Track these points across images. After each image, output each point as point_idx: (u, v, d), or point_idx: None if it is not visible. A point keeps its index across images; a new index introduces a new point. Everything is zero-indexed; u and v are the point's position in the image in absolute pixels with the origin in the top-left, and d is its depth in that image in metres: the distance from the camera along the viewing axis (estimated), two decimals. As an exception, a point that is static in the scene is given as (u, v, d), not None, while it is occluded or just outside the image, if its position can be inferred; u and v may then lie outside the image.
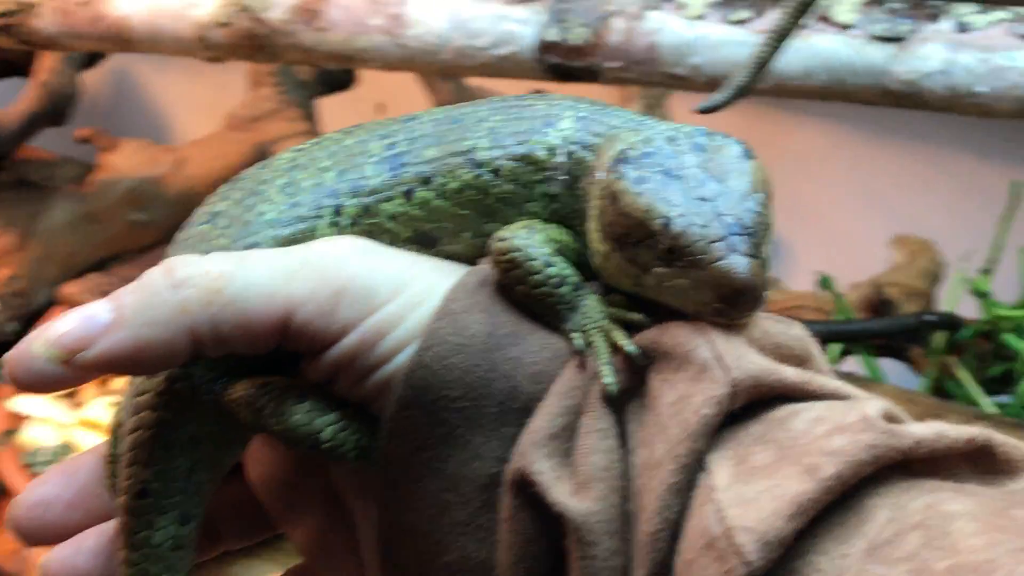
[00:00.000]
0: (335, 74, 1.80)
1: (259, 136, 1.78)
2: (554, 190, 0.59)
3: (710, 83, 1.13)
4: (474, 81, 1.63)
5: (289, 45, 1.28)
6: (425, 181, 0.59)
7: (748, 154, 0.56)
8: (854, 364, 1.46)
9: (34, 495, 0.63)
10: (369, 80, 1.79)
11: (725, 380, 0.51)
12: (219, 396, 0.58)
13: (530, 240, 0.56)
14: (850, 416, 0.50)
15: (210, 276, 0.55)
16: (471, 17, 1.23)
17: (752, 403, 0.52)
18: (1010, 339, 1.40)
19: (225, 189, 0.61)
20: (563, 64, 1.20)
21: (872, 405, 0.51)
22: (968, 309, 1.45)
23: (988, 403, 1.38)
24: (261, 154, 1.71)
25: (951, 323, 1.43)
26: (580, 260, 0.58)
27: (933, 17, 1.14)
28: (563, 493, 0.52)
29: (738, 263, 0.52)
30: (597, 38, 1.20)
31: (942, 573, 0.44)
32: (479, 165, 0.59)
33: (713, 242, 0.53)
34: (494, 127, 0.59)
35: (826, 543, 0.48)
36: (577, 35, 1.20)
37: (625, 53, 1.19)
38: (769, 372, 0.52)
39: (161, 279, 0.55)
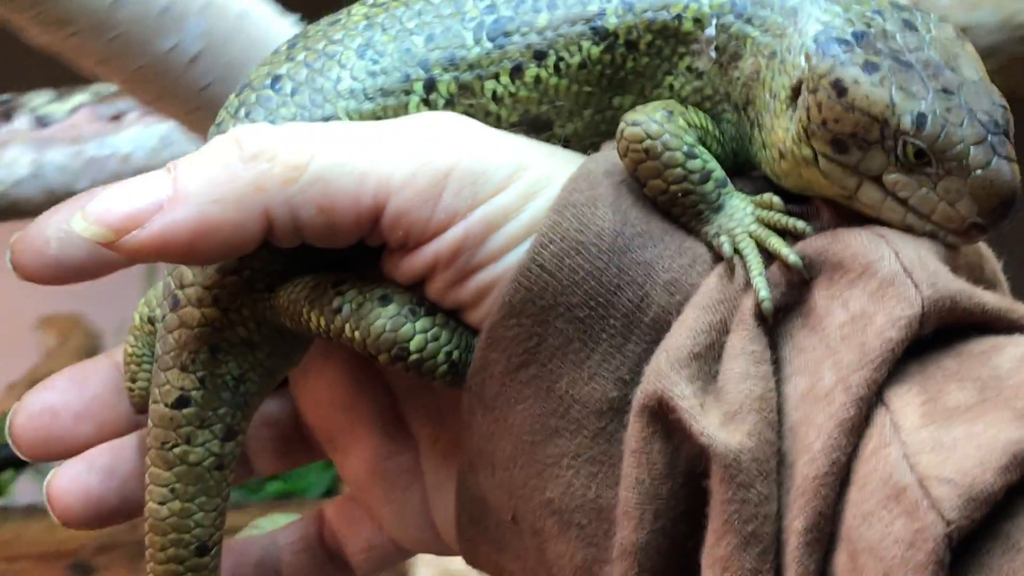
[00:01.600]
0: None
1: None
2: (700, 66, 0.50)
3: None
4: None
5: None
6: (539, 56, 0.51)
7: (961, 34, 0.49)
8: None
9: (38, 402, 0.55)
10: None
11: (916, 298, 0.44)
12: (281, 294, 0.51)
13: (669, 127, 0.48)
14: None
15: (291, 150, 0.47)
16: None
17: (943, 331, 0.45)
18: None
19: (285, 47, 0.53)
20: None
21: None
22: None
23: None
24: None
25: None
26: (722, 154, 0.50)
27: (7, 116, 1.06)
28: (712, 423, 0.44)
29: (1005, 168, 0.46)
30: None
31: None
32: (608, 36, 0.50)
33: (976, 144, 0.46)
34: None
35: None
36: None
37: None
38: (969, 295, 0.45)
39: (232, 150, 0.47)
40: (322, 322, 0.50)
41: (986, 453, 0.41)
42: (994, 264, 0.50)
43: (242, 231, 0.47)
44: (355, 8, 0.53)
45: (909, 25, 0.48)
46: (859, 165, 0.47)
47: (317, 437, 0.58)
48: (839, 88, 0.47)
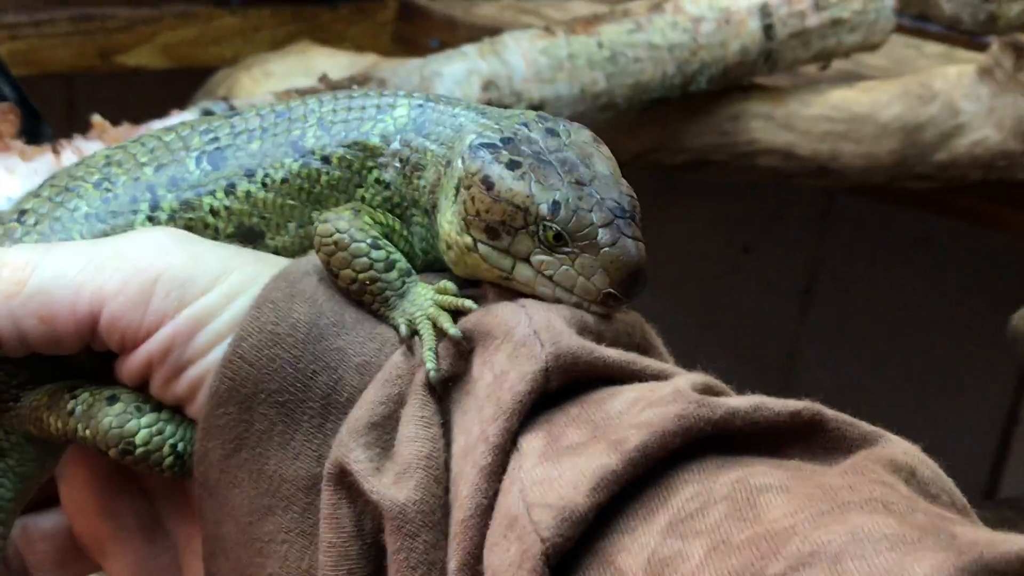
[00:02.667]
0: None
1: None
2: (387, 177, 0.56)
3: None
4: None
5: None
6: (249, 174, 0.56)
7: (598, 138, 0.55)
8: None
9: None
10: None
11: (541, 355, 0.48)
12: (24, 402, 0.55)
13: (356, 222, 0.53)
14: (663, 390, 0.47)
15: (12, 266, 0.51)
16: None
17: (574, 384, 0.49)
18: None
19: (34, 189, 0.58)
20: None
21: (688, 378, 0.48)
22: None
23: None
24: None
25: None
26: (412, 252, 0.55)
27: None
28: (382, 483, 0.48)
29: (630, 245, 0.51)
30: None
31: (741, 544, 0.42)
32: (307, 153, 0.56)
33: (603, 226, 0.51)
34: (323, 116, 0.57)
35: (631, 520, 0.45)
36: None
37: None
38: (588, 350, 0.49)
39: None
40: (59, 424, 0.53)
41: (579, 478, 0.45)
42: (648, 330, 0.54)
43: None
44: (98, 151, 0.58)
45: (551, 132, 0.54)
46: (510, 248, 0.52)
47: (87, 544, 0.60)
48: (487, 183, 0.52)
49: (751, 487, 0.44)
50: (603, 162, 0.53)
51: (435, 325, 0.52)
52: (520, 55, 1.11)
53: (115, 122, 1.01)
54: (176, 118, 1.03)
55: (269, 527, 0.51)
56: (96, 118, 1.00)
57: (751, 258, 2.01)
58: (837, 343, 2.00)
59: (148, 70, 1.36)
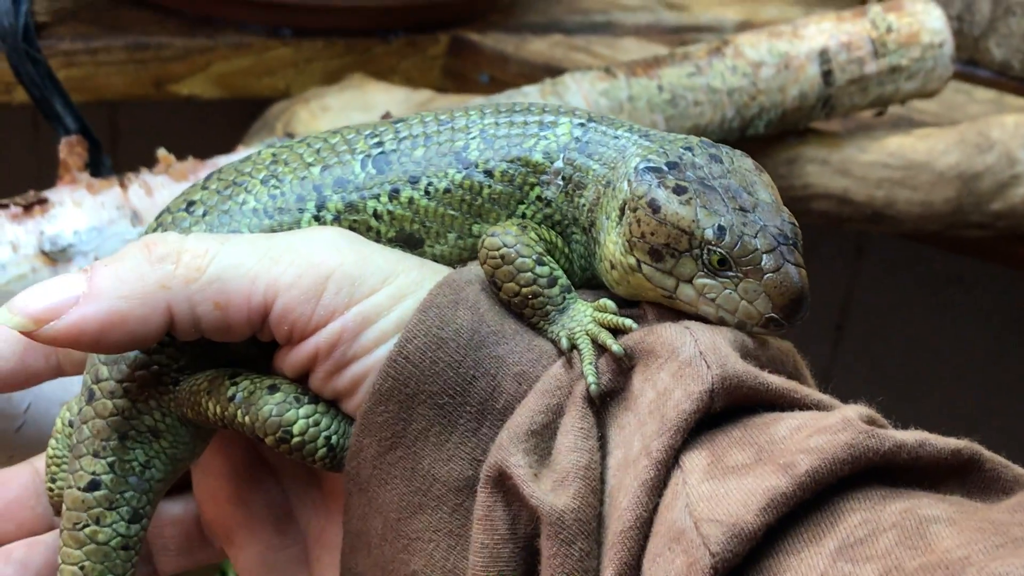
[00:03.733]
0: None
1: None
2: (549, 195, 0.57)
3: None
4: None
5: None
6: (413, 181, 0.57)
7: (759, 166, 0.56)
8: None
9: None
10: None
11: (707, 376, 0.50)
12: (183, 386, 0.56)
13: (523, 238, 0.54)
14: (831, 419, 0.49)
15: (192, 253, 0.53)
16: None
17: (735, 408, 0.51)
18: None
19: (201, 181, 0.59)
20: None
21: (854, 409, 0.50)
22: None
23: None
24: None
25: None
26: (571, 268, 0.57)
27: None
28: (541, 489, 0.50)
29: (793, 272, 0.52)
30: None
31: (914, 571, 0.43)
32: (470, 165, 0.57)
33: (767, 252, 0.52)
34: (485, 129, 0.58)
35: (798, 543, 0.46)
36: None
37: None
38: (753, 375, 0.51)
39: (140, 253, 0.53)
40: (217, 409, 0.55)
41: (749, 498, 0.47)
42: (799, 360, 0.56)
43: (147, 324, 0.52)
44: (264, 149, 0.60)
45: (715, 158, 0.55)
46: (673, 270, 0.53)
47: (215, 532, 0.62)
48: (654, 206, 0.53)
49: (919, 517, 0.45)
50: (765, 189, 0.54)
51: (595, 341, 0.53)
52: (581, 96, 1.11)
53: (179, 156, 1.01)
54: (242, 152, 1.03)
55: (417, 525, 0.53)
56: (161, 152, 1.00)
57: (783, 294, 2.01)
58: (868, 380, 2.00)
59: (200, 99, 1.37)
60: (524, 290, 0.54)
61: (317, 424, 0.55)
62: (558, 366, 0.53)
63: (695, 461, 0.49)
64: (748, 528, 0.46)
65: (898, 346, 1.99)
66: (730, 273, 0.53)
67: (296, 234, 0.55)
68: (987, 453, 0.49)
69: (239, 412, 0.54)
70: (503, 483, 0.51)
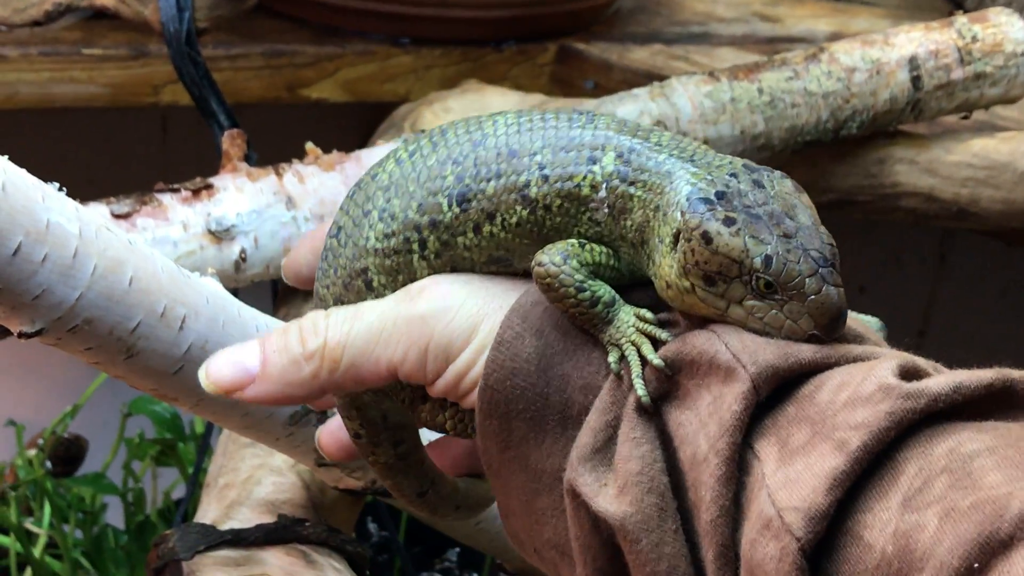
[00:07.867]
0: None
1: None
2: (599, 218, 0.64)
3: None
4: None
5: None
6: (490, 217, 0.65)
7: (798, 186, 0.61)
8: None
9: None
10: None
11: (745, 376, 0.57)
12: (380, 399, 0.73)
13: (564, 267, 0.62)
14: (868, 385, 0.55)
15: (329, 347, 0.66)
16: None
17: (785, 384, 0.58)
18: None
19: (346, 200, 0.70)
20: None
21: (888, 366, 0.55)
22: None
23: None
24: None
25: None
26: (619, 276, 0.64)
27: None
28: (605, 500, 0.59)
29: (833, 293, 0.58)
30: None
31: (967, 510, 0.50)
32: (532, 202, 0.64)
33: (810, 276, 0.58)
34: (543, 162, 0.64)
35: (868, 501, 0.53)
36: None
37: None
38: (783, 357, 0.58)
39: (297, 347, 0.67)
40: (405, 412, 0.73)
41: (816, 482, 0.54)
42: (873, 335, 0.62)
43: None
44: (391, 157, 0.68)
45: (758, 184, 0.60)
46: (725, 294, 0.59)
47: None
48: (707, 238, 0.58)
49: (963, 456, 0.52)
50: (804, 212, 0.60)
51: (639, 352, 0.60)
52: (687, 98, 1.20)
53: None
54: (380, 148, 1.13)
55: (541, 504, 0.64)
56: (309, 145, 1.11)
57: (867, 299, 2.06)
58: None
59: (326, 103, 1.47)
60: (572, 310, 0.61)
61: (461, 420, 0.70)
62: (611, 381, 0.61)
63: (767, 450, 0.56)
64: (821, 509, 0.53)
65: (980, 352, 2.02)
66: (776, 296, 0.58)
67: (401, 305, 0.66)
68: (1016, 375, 0.56)
69: (411, 416, 0.72)
70: (577, 497, 0.60)
